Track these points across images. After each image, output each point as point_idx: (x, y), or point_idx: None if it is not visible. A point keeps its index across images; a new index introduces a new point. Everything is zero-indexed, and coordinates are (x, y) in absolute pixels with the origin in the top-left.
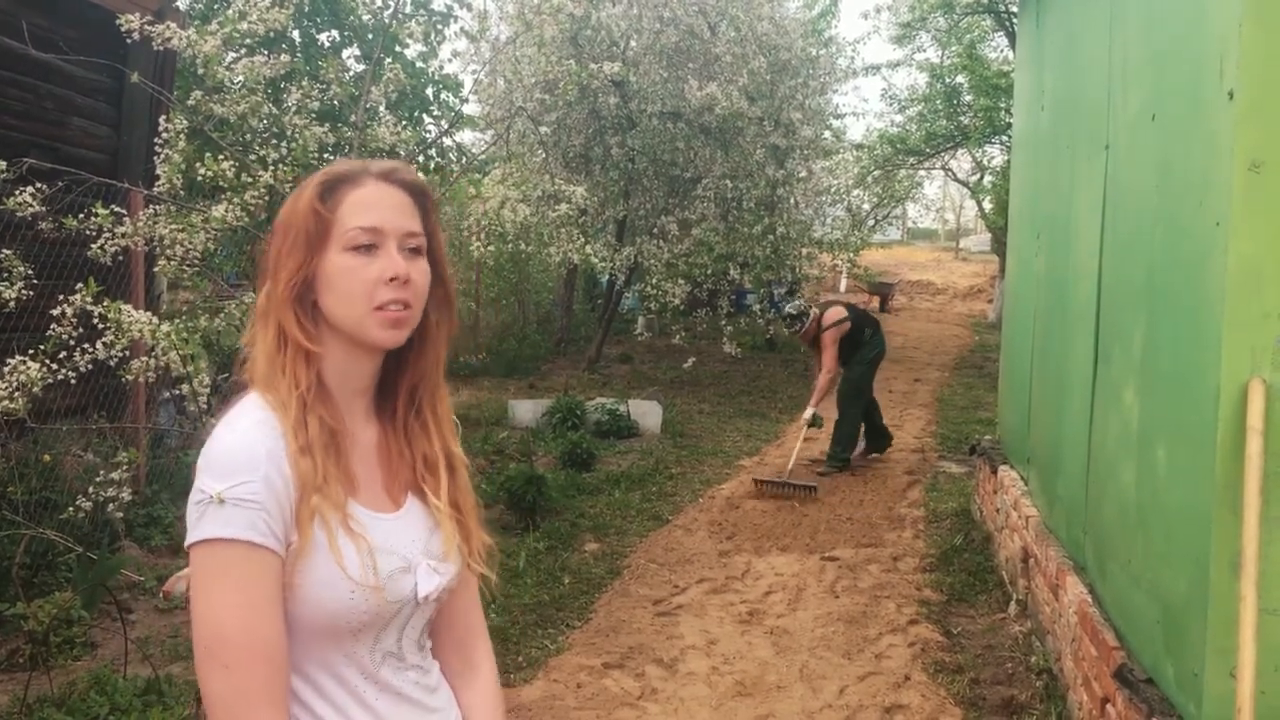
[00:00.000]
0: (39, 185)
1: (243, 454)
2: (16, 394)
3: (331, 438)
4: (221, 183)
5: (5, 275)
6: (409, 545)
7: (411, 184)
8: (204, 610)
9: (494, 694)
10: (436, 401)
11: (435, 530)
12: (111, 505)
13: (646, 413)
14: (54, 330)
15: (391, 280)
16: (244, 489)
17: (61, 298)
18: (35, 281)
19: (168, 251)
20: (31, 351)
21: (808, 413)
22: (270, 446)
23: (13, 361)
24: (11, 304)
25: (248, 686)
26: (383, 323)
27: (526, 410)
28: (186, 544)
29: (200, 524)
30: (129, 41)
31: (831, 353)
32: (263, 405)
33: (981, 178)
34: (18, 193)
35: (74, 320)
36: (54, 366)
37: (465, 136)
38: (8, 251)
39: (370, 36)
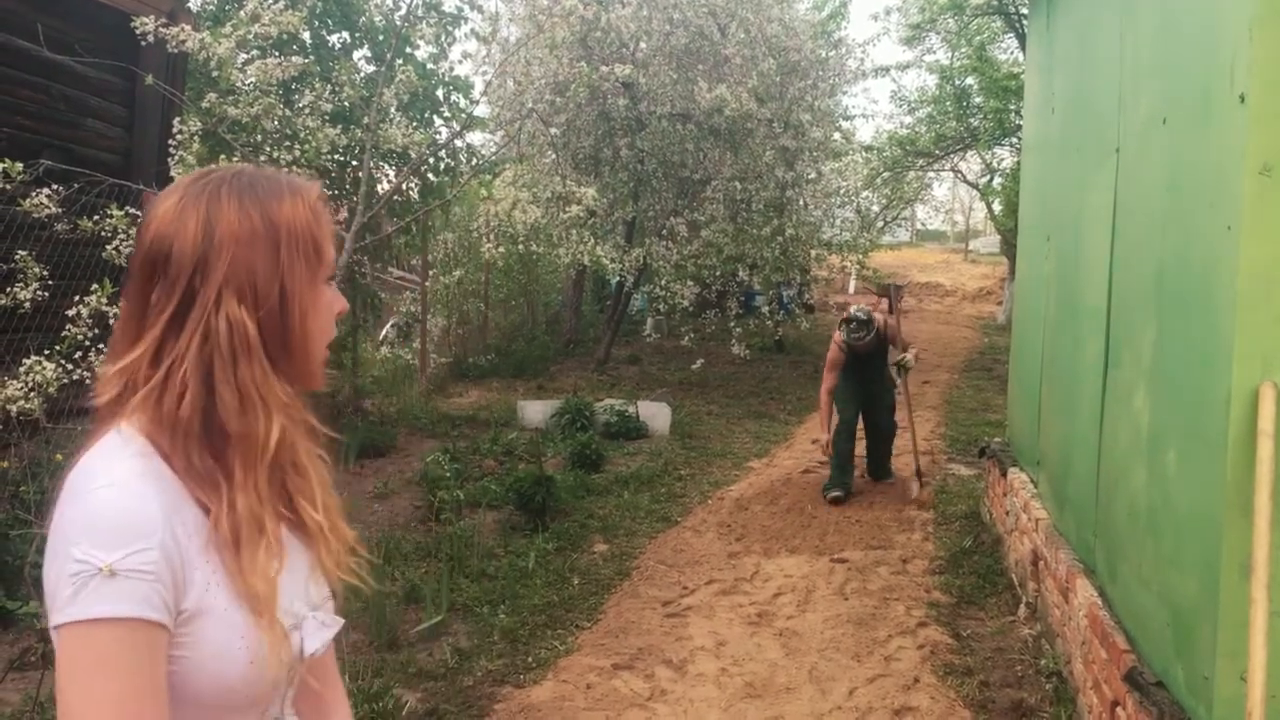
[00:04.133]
0: (55, 186)
1: (138, 515)
2: (32, 394)
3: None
4: None
5: (21, 276)
6: (295, 597)
7: None
8: (80, 705)
9: None
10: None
11: (314, 568)
12: None
13: (655, 414)
14: (69, 331)
15: (338, 314)
16: (139, 558)
17: (77, 298)
18: (50, 282)
19: None
20: (47, 352)
21: (907, 356)
22: (164, 501)
23: (29, 362)
24: (27, 305)
25: None
26: (323, 362)
27: (535, 411)
28: (55, 623)
29: (80, 599)
30: (142, 43)
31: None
32: (138, 446)
33: (991, 180)
34: (34, 194)
35: (89, 321)
36: (69, 367)
37: (475, 138)
38: (23, 253)
39: (381, 38)
